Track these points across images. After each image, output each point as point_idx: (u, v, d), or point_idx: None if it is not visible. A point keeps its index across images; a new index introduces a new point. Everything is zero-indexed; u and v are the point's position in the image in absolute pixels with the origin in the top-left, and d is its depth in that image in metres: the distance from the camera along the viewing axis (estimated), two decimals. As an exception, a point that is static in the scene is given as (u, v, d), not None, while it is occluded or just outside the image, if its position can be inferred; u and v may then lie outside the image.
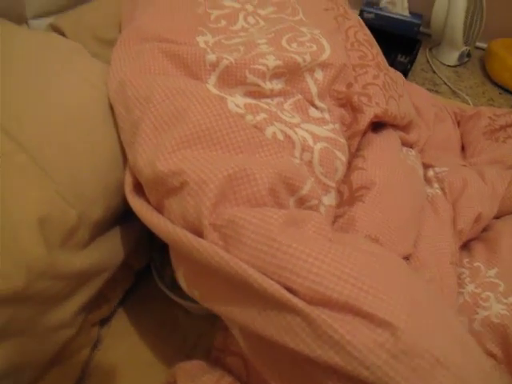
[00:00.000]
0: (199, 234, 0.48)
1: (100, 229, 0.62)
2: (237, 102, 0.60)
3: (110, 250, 0.65)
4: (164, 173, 0.51)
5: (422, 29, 1.58)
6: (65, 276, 0.57)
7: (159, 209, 0.54)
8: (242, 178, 0.50)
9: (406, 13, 1.57)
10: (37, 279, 0.54)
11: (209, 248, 0.45)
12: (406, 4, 1.57)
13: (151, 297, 0.78)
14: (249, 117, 0.59)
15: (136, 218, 0.69)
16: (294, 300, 0.41)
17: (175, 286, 0.75)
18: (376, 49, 0.84)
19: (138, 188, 0.58)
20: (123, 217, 0.68)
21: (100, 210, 0.60)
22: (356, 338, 0.39)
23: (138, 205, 0.55)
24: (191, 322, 0.76)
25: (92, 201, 0.59)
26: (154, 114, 0.56)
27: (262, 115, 0.60)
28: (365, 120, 0.71)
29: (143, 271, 0.79)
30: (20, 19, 0.90)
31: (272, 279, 0.42)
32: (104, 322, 0.74)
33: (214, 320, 0.76)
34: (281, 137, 0.59)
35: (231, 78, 0.66)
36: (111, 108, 0.65)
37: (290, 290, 0.42)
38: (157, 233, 0.52)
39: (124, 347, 0.72)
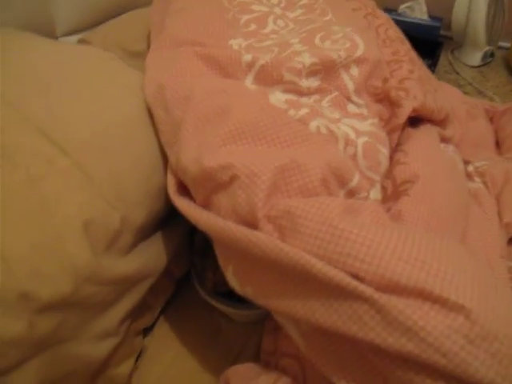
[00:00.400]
0: (252, 227, 0.47)
1: (143, 234, 0.62)
2: (278, 97, 0.60)
3: (154, 255, 0.64)
4: (212, 168, 0.50)
5: (442, 32, 1.57)
6: (110, 281, 0.56)
7: (206, 206, 0.53)
8: (293, 169, 0.48)
9: (425, 17, 1.57)
10: (83, 284, 0.53)
11: (266, 240, 0.44)
12: (424, 8, 1.57)
13: (192, 305, 0.77)
14: (291, 111, 0.58)
15: (177, 223, 0.69)
16: (361, 287, 0.39)
17: (216, 292, 0.74)
18: (407, 45, 0.84)
19: (182, 189, 0.58)
20: (165, 222, 0.68)
21: (143, 214, 0.60)
22: (429, 323, 0.37)
23: (184, 205, 0.54)
24: (234, 329, 0.75)
25: (135, 204, 0.59)
26: (196, 112, 0.56)
27: (304, 110, 0.59)
28: (404, 114, 0.69)
29: (183, 280, 0.77)
30: (50, 37, 0.92)
31: (335, 267, 0.41)
32: (147, 331, 0.72)
33: (257, 327, 0.74)
34: (324, 131, 0.58)
35: (268, 78, 0.65)
36: (150, 114, 0.64)
37: (355, 277, 0.40)
38: (206, 230, 0.51)
39: (168, 357, 0.70)
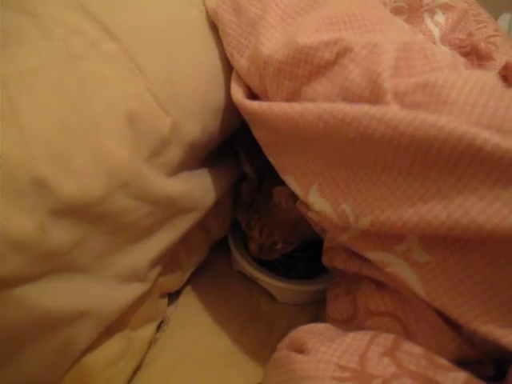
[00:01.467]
0: None
1: (193, 156, 0.50)
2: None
3: (201, 187, 0.51)
4: (311, 46, 0.39)
5: None
6: (150, 198, 0.44)
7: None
8: (417, 51, 0.37)
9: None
10: (117, 192, 0.41)
11: (400, 112, 0.32)
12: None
13: (225, 279, 0.64)
14: (392, 18, 0.48)
15: (226, 166, 0.57)
16: None
17: (260, 263, 0.60)
18: (487, 13, 0.76)
19: (251, 98, 0.47)
20: (214, 162, 0.55)
21: (195, 128, 0.48)
22: None
23: (261, 105, 0.43)
24: (276, 309, 0.61)
25: (188, 113, 0.47)
26: (280, 6, 0.46)
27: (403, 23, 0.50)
28: (495, 68, 0.60)
29: (217, 251, 0.64)
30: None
31: None
32: (170, 301, 0.59)
33: (303, 309, 0.61)
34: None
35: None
36: (211, 26, 0.54)
37: None
38: (297, 123, 0.39)
39: (195, 333, 0.56)
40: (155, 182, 0.44)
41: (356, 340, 0.37)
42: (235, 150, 0.59)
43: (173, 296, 0.59)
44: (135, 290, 0.46)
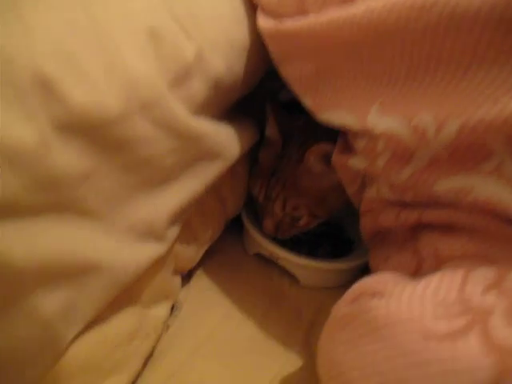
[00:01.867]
0: None
1: (216, 103, 0.43)
2: None
3: (225, 134, 0.44)
4: None
5: None
6: (173, 130, 0.37)
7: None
8: None
9: None
10: (137, 111, 0.34)
11: None
12: None
13: (240, 263, 0.56)
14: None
15: (249, 124, 0.50)
16: None
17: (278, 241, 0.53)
18: None
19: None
20: (237, 119, 0.48)
21: (220, 63, 0.41)
22: None
23: (307, 19, 0.37)
24: (301, 294, 0.53)
25: (212, 44, 0.40)
26: None
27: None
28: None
29: (228, 235, 0.56)
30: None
31: None
32: (182, 284, 0.50)
33: (329, 292, 0.53)
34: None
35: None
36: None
37: None
38: (353, 32, 0.33)
39: (212, 319, 0.47)
40: (180, 111, 0.36)
41: (446, 277, 0.30)
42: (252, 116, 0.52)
43: (184, 280, 0.50)
44: (151, 250, 0.38)
